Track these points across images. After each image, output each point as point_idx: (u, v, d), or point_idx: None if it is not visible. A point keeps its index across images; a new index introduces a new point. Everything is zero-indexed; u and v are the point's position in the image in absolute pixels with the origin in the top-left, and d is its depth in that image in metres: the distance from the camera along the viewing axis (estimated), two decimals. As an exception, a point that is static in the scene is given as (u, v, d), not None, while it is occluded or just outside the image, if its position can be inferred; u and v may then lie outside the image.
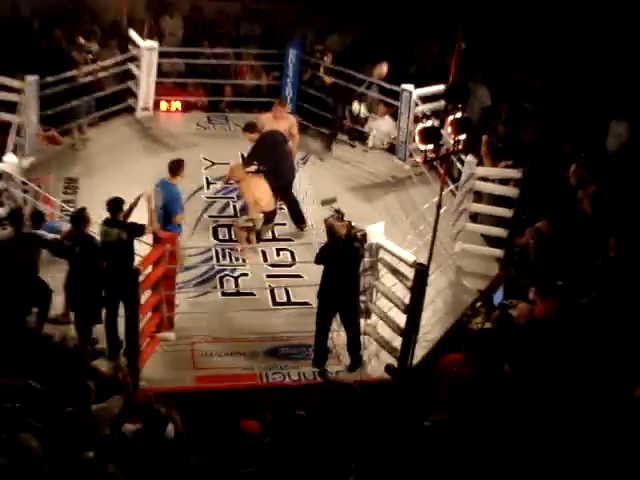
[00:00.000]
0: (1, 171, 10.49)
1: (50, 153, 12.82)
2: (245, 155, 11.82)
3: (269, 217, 11.50)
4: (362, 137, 14.30)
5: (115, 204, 9.11)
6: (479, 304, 10.31)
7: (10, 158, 10.67)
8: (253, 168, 11.32)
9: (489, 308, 9.90)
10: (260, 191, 11.29)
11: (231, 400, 8.76)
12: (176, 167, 10.21)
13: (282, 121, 11.95)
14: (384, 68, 13.78)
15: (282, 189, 11.69)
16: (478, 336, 9.12)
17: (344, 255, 9.16)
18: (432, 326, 9.91)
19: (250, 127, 11.68)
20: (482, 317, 9.82)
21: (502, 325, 8.98)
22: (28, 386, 7.75)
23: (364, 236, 9.33)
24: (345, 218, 9.31)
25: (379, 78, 13.80)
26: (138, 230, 9.18)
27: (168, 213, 10.06)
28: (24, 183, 10.86)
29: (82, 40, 13.54)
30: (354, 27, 15.78)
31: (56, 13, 14.91)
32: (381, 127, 14.03)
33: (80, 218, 9.19)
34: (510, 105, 13.20)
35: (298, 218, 11.88)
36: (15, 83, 12.06)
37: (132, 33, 13.87)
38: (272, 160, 11.39)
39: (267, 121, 11.90)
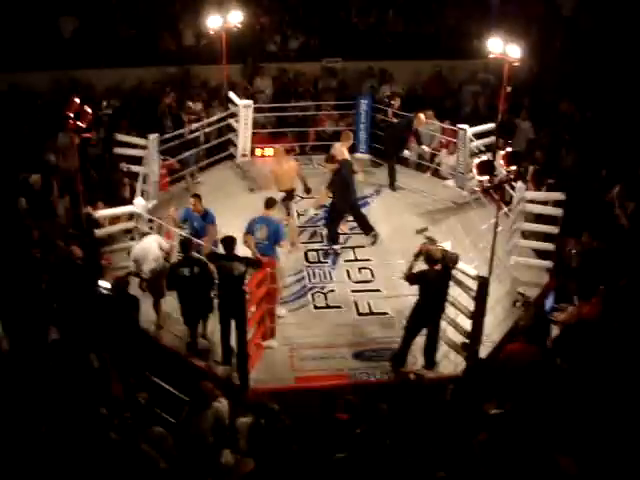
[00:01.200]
0: (133, 212, 10.86)
1: (168, 196, 13.16)
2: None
3: (289, 194, 11.94)
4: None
5: (230, 242, 9.35)
6: (519, 304, 10.24)
7: (139, 201, 11.03)
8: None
9: (528, 306, 9.96)
10: (283, 176, 11.84)
11: (325, 396, 8.85)
12: (271, 203, 10.38)
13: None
14: (422, 117, 13.40)
15: (351, 208, 11.81)
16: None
17: (440, 275, 9.18)
18: (493, 329, 9.82)
19: (331, 158, 11.82)
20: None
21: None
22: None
23: (457, 257, 9.24)
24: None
25: (418, 126, 13.45)
26: (256, 264, 9.33)
27: (274, 241, 10.11)
28: (150, 220, 11.21)
29: (189, 103, 13.96)
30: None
31: (170, 83, 15.57)
32: (449, 161, 13.85)
33: (186, 245, 9.49)
34: (551, 135, 13.11)
35: (367, 228, 11.94)
36: (141, 141, 12.45)
37: (231, 94, 14.14)
38: (342, 187, 11.54)
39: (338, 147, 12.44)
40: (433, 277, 9.11)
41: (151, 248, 9.94)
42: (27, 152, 12.79)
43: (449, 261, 9.09)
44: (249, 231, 10.04)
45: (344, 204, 11.67)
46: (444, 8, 17.12)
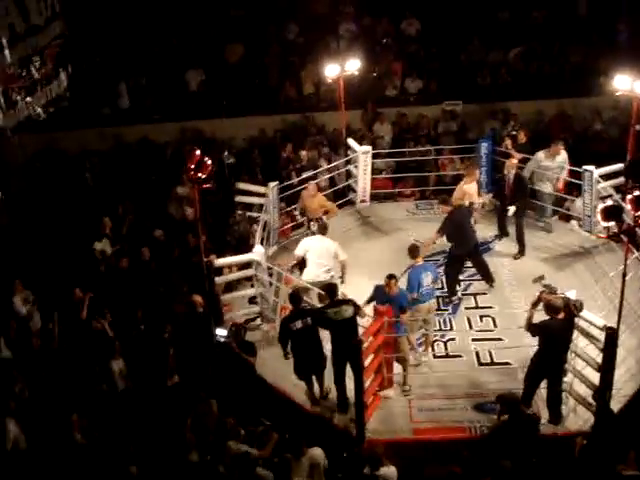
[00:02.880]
0: (253, 259, 11.08)
1: (288, 242, 13.32)
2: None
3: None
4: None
5: (332, 288, 9.48)
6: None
7: (258, 249, 11.22)
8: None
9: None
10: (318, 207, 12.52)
11: (444, 449, 8.61)
12: (416, 250, 10.46)
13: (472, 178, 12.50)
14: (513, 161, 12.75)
15: (469, 255, 11.62)
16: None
17: (564, 325, 8.84)
18: (625, 383, 9.30)
19: (444, 200, 11.88)
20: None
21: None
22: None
23: (581, 304, 8.90)
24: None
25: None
26: (357, 307, 9.42)
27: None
28: (269, 268, 11.39)
29: (303, 152, 14.17)
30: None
31: (291, 130, 16.02)
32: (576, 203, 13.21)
33: (297, 298, 9.56)
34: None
35: (487, 276, 11.75)
36: (261, 189, 12.77)
37: (350, 140, 14.24)
38: (456, 233, 11.43)
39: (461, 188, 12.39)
40: (556, 327, 8.76)
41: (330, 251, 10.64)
42: (153, 203, 13.42)
43: (573, 309, 8.73)
44: (414, 285, 10.03)
45: (460, 250, 11.48)
46: (568, 46, 16.69)
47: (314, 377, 9.72)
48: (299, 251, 11.24)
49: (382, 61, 17.02)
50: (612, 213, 8.27)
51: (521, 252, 12.57)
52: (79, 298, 10.62)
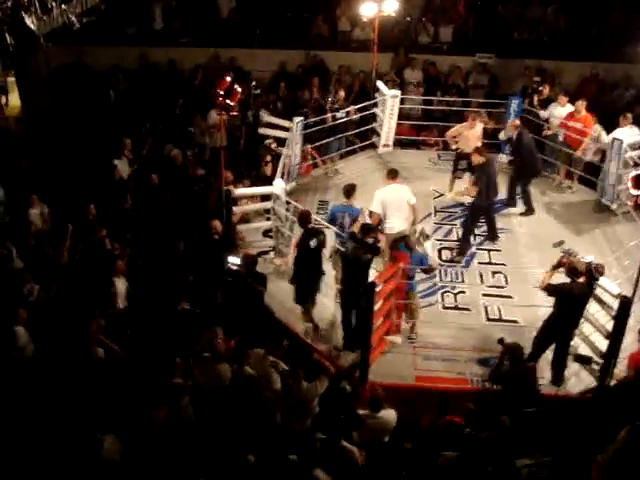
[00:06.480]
0: (272, 193, 10.98)
1: (308, 180, 13.26)
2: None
3: None
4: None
5: (369, 229, 9.31)
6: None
7: (279, 183, 11.10)
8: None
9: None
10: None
11: (443, 399, 8.63)
12: (352, 191, 10.42)
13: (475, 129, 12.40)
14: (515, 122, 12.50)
15: (487, 207, 11.48)
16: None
17: (583, 289, 8.77)
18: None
19: (477, 150, 11.42)
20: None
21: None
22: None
23: (603, 268, 8.83)
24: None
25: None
26: (377, 251, 9.29)
27: None
28: (287, 202, 11.30)
29: (342, 93, 13.79)
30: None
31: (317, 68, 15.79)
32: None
33: (304, 218, 9.63)
34: None
35: (493, 233, 11.69)
36: (286, 123, 12.58)
37: (379, 83, 14.02)
38: (486, 182, 11.20)
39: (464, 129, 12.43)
40: (576, 290, 8.71)
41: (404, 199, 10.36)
42: (177, 127, 13.26)
43: (595, 273, 8.65)
44: (332, 218, 10.14)
45: (484, 202, 11.31)
46: (609, 10, 16.25)
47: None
48: (376, 207, 10.42)
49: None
50: (642, 182, 8.15)
51: (528, 212, 12.46)
52: (93, 215, 10.64)
